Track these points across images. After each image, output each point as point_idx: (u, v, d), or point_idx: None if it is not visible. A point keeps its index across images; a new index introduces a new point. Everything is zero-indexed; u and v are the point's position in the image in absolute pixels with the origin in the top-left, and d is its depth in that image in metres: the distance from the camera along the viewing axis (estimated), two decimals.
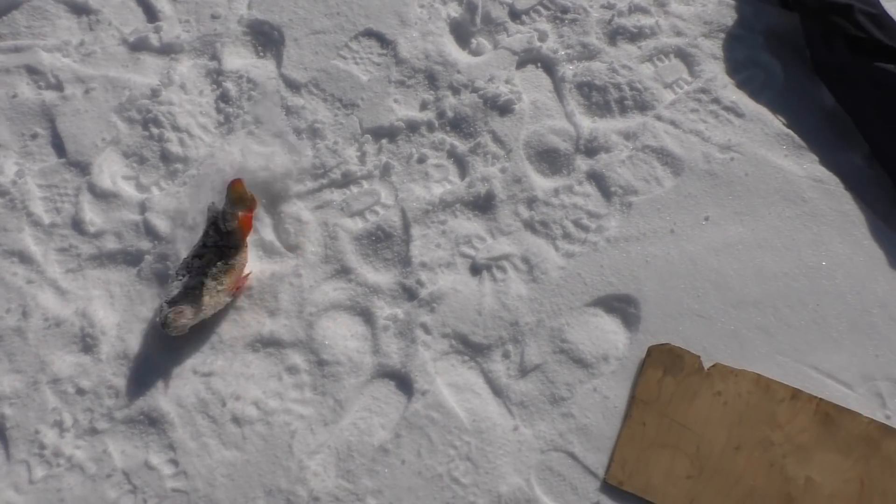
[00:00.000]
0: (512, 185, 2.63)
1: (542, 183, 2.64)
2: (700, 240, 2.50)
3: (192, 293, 2.28)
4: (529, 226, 2.57)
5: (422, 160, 2.72)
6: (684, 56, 2.93)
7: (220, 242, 2.34)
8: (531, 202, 2.60)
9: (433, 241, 2.54)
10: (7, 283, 2.50)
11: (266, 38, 3.08)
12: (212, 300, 2.31)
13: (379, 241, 2.57)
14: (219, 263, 2.32)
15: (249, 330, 2.41)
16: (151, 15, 3.16)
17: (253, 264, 2.49)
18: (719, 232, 2.51)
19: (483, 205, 2.61)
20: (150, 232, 2.59)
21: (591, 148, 2.69)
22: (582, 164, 2.67)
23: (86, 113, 2.87)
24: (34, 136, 2.84)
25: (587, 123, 2.75)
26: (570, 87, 2.84)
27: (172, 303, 2.25)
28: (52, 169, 2.76)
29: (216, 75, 2.97)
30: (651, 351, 2.31)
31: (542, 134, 2.73)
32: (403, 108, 2.84)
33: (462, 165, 2.71)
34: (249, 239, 2.47)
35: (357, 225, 2.61)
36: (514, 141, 2.71)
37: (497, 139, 2.73)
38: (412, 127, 2.78)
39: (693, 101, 2.81)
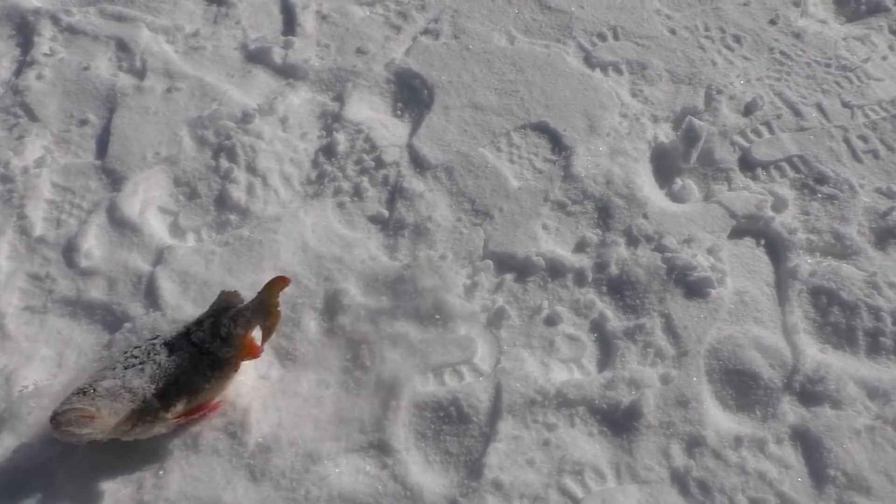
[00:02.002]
0: (672, 408, 1.98)
1: (720, 420, 1.98)
2: None
3: (123, 394, 1.67)
4: (680, 481, 1.87)
5: (552, 322, 2.16)
6: None
7: (207, 345, 1.83)
8: (694, 445, 1.93)
9: (526, 451, 1.91)
10: None
11: (412, 95, 2.71)
12: (143, 424, 1.73)
13: (447, 422, 1.96)
14: (183, 377, 1.77)
15: (203, 487, 1.78)
16: (289, 27, 2.94)
17: (250, 381, 1.96)
18: None
19: (620, 421, 1.98)
20: (150, 294, 2.15)
21: (810, 392, 2.02)
22: (790, 411, 1.99)
23: (154, 115, 2.62)
24: (82, 123, 2.61)
25: (813, 352, 2.12)
26: (802, 290, 2.22)
27: (86, 394, 1.65)
28: (79, 169, 2.52)
29: (331, 120, 2.64)
30: None
31: (741, 345, 2.10)
32: (552, 241, 2.33)
33: (607, 350, 2.13)
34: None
35: (426, 386, 2.01)
36: (694, 341, 2.09)
37: (670, 329, 2.12)
38: (555, 270, 2.24)
39: None
